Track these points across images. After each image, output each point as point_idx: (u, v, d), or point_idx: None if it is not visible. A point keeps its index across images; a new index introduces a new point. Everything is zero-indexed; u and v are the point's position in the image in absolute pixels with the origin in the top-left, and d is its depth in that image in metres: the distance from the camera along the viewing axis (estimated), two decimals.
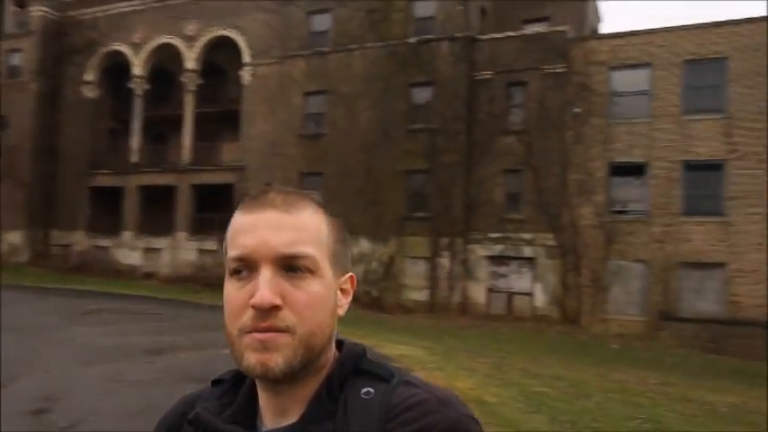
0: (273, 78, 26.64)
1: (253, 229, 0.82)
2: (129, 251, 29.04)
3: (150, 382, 8.34)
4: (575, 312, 19.84)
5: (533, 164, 21.50)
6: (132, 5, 30.71)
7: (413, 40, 23.69)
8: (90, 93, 31.60)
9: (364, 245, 23.54)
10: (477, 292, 21.99)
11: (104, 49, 31.21)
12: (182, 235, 27.94)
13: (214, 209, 27.91)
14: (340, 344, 0.90)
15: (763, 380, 12.63)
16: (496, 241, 21.84)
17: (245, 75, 27.62)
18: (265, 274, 0.80)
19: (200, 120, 29.54)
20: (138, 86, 30.47)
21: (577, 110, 21.15)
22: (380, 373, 0.84)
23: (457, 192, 22.35)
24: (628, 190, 20.28)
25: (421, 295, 22.54)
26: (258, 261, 0.80)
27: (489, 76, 22.61)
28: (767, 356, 14.60)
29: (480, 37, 23.18)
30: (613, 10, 71.71)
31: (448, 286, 22.13)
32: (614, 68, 20.92)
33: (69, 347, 10.48)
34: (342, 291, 0.88)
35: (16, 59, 32.38)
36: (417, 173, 23.20)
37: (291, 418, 0.83)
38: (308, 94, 25.60)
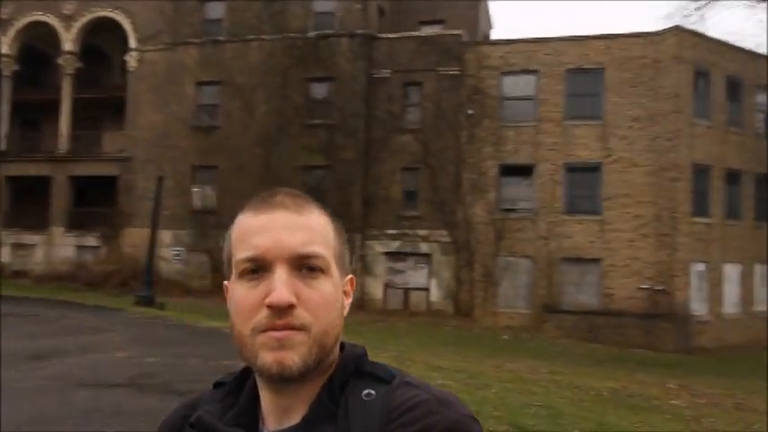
0: (163, 65, 25.34)
1: (265, 229, 0.82)
2: None
3: (38, 389, 7.71)
4: (468, 306, 20.72)
5: (429, 162, 22.13)
6: None
7: (312, 34, 23.51)
8: None
9: None
10: (375, 288, 22.32)
11: None
12: (58, 230, 25.88)
13: (95, 203, 26.14)
14: (341, 346, 0.90)
15: (636, 365, 13.92)
16: (394, 238, 22.28)
17: (132, 60, 26.04)
18: (281, 274, 0.80)
19: (79, 106, 27.42)
20: (6, 66, 27.78)
21: (471, 112, 22.03)
22: (381, 375, 0.85)
23: (355, 188, 22.50)
24: (517, 189, 21.47)
25: None
26: (272, 261, 0.81)
27: (387, 75, 22.96)
28: (642, 345, 16.11)
29: (379, 36, 23.46)
30: (504, 17, 75.27)
31: None
32: (505, 73, 22.00)
33: None
34: (344, 292, 0.89)
35: None
36: (315, 168, 23.10)
37: (294, 420, 0.83)
38: (202, 83, 24.64)
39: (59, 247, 25.59)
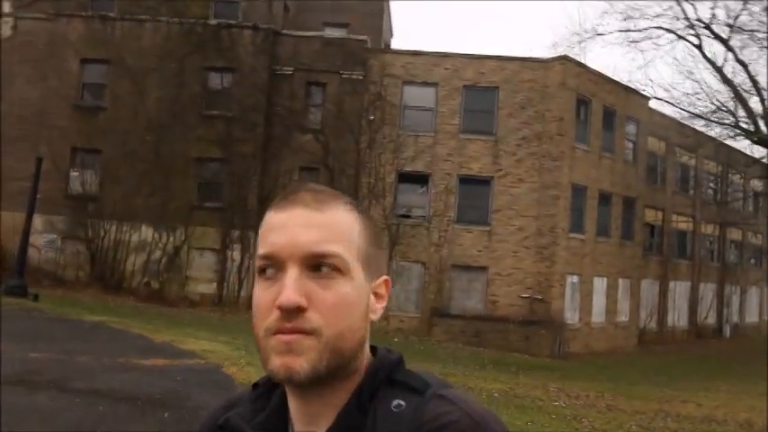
0: (43, 36, 23.28)
1: (282, 227, 0.80)
2: None
3: None
4: None
5: (329, 164, 22.21)
6: None
7: (213, 22, 22.76)
8: None
9: (147, 233, 21.99)
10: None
11: None
12: None
13: None
14: (374, 351, 0.87)
15: (517, 368, 14.91)
16: None
17: (4, 27, 23.67)
18: (291, 274, 0.78)
19: None
20: None
21: (372, 117, 22.41)
22: (414, 385, 0.81)
23: (252, 184, 22.06)
24: (412, 197, 22.16)
25: (208, 288, 21.80)
26: (285, 260, 0.78)
27: (290, 72, 22.76)
28: (521, 349, 17.27)
29: (284, 32, 23.20)
30: (404, 27, 77.13)
31: (237, 280, 21.74)
32: (407, 83, 22.62)
33: None
34: (375, 295, 0.86)
35: None
36: (211, 161, 22.39)
37: (321, 427, 0.81)
38: (87, 61, 22.96)
39: None
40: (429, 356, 15.11)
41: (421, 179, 22.09)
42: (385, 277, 0.88)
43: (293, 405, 0.83)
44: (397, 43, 31.77)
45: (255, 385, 0.91)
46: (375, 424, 0.78)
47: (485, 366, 14.62)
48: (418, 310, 20.85)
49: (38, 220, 22.27)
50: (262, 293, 0.79)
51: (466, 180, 21.82)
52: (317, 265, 0.78)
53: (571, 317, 20.66)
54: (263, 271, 0.80)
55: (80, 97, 22.90)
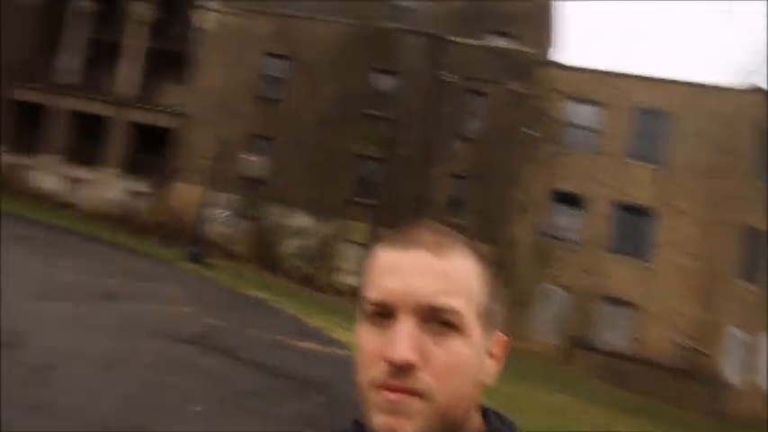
0: (236, 30, 25.69)
1: (397, 270, 0.73)
2: (50, 176, 27.22)
3: (113, 329, 8.13)
4: None
5: (482, 174, 22.22)
6: None
7: (386, 25, 23.65)
8: None
9: (305, 220, 23.47)
10: None
11: None
12: (111, 171, 26.54)
13: (150, 151, 26.71)
14: (485, 413, 0.80)
15: (668, 422, 13.88)
16: None
17: (206, 20, 26.43)
18: (405, 326, 0.71)
19: (148, 55, 27.97)
20: (86, 3, 28.37)
21: (532, 132, 22.04)
22: None
23: (406, 186, 22.70)
24: (564, 218, 21.47)
25: (354, 280, 22.81)
26: (398, 308, 0.72)
27: (453, 79, 23.03)
28: (670, 399, 15.98)
29: (451, 38, 23.48)
30: (569, 41, 74.60)
31: None
32: (572, 100, 21.94)
33: (16, 277, 9.86)
34: (490, 355, 0.78)
35: None
36: (370, 158, 23.35)
37: None
38: (269, 54, 24.94)
39: (110, 187, 26.26)
40: (566, 388, 14.66)
41: (576, 201, 21.35)
42: (503, 336, 0.80)
43: None
44: (562, 57, 30.79)
45: (356, 421, 0.83)
46: None
47: (628, 412, 13.87)
48: (557, 337, 20.21)
49: (214, 197, 24.78)
50: (369, 339, 0.73)
51: (626, 207, 20.74)
52: (433, 318, 0.72)
53: (732, 374, 18.73)
54: (373, 315, 0.74)
55: (261, 88, 24.94)
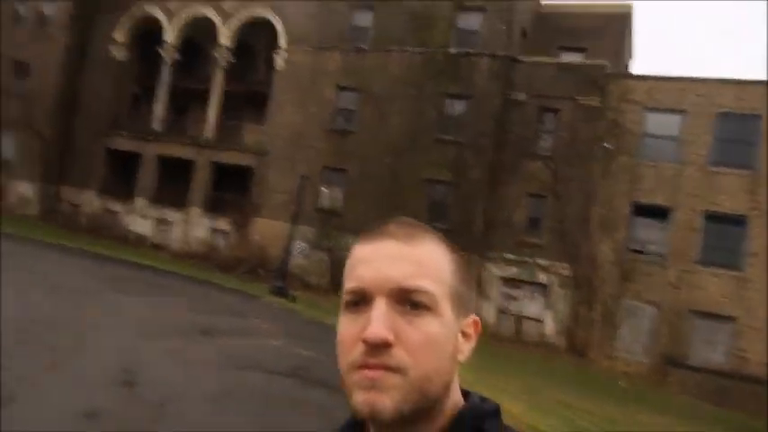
0: (307, 67, 26.67)
1: (370, 260, 0.79)
2: (140, 219, 28.99)
3: (216, 365, 8.52)
4: (582, 345, 20.28)
5: (558, 191, 21.85)
6: None
7: (453, 50, 23.87)
8: (118, 53, 31.36)
9: None
10: (487, 312, 22.32)
11: (138, 12, 30.95)
12: (196, 211, 27.94)
13: (231, 189, 27.96)
14: (466, 396, 0.84)
15: None
16: (512, 263, 22.19)
17: (279, 59, 27.59)
18: (379, 308, 0.76)
19: (226, 97, 29.47)
20: (169, 54, 30.30)
21: (608, 145, 21.52)
22: None
23: (479, 208, 22.63)
24: (648, 231, 20.71)
25: None
26: (373, 293, 0.77)
27: (524, 99, 22.89)
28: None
29: (520, 58, 23.42)
30: (644, 50, 72.46)
31: None
32: (649, 110, 21.30)
33: (123, 317, 10.58)
34: (463, 334, 0.82)
35: (49, 9, 31.99)
36: (441, 183, 23.46)
37: None
38: (341, 88, 25.67)
39: (195, 226, 27.63)
40: (662, 408, 14.04)
41: (660, 213, 20.57)
42: (474, 317, 0.85)
43: None
44: (637, 67, 29.95)
45: (353, 416, 0.87)
46: None
47: (731, 431, 13.13)
48: (648, 356, 19.37)
49: (293, 230, 25.57)
50: (347, 326, 0.78)
51: (714, 217, 19.78)
52: (405, 300, 0.77)
53: None
54: (351, 304, 0.79)
55: (333, 121, 25.69)
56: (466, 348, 0.82)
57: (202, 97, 30.28)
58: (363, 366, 0.75)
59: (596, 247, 20.93)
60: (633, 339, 19.69)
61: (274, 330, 11.69)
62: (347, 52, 25.60)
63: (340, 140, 25.43)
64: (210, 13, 29.23)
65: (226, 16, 29.00)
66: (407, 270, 0.77)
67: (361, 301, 0.78)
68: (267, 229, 25.81)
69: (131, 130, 30.63)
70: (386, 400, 0.74)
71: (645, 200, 20.75)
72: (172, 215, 28.48)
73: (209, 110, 29.10)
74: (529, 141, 22.62)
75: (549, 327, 21.38)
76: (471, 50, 23.54)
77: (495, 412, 0.82)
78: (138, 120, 31.54)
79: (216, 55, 29.26)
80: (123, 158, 30.52)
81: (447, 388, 0.79)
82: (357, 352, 0.76)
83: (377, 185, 24.08)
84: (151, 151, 29.63)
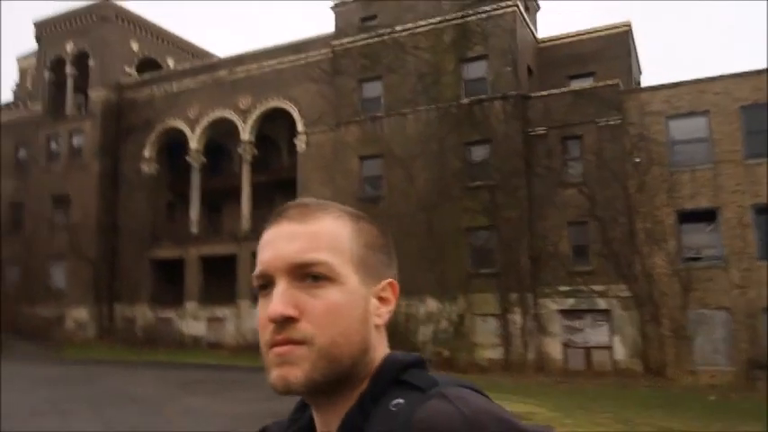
0: (328, 145, 27.48)
1: (269, 243, 0.83)
2: (193, 321, 29.48)
3: None
4: (658, 364, 19.49)
5: (598, 215, 21.63)
6: (186, 84, 32.22)
7: (465, 100, 24.40)
8: (148, 168, 32.85)
9: (432, 304, 23.63)
10: (553, 348, 21.77)
11: (161, 127, 32.59)
12: (245, 303, 28.32)
13: None
14: (388, 355, 0.85)
15: None
16: (567, 294, 21.77)
17: (300, 143, 28.53)
18: (279, 286, 0.79)
19: (254, 189, 30.39)
20: (195, 160, 31.61)
21: (637, 159, 21.40)
22: (418, 384, 0.78)
23: (522, 246, 22.46)
24: (699, 236, 20.23)
25: (494, 353, 22.37)
26: (274, 274, 0.80)
27: (543, 132, 23.08)
28: None
29: (532, 94, 23.80)
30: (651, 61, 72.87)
31: (522, 343, 21.96)
32: (671, 117, 21.24)
33: (205, 415, 10.62)
34: (380, 299, 0.84)
35: (78, 140, 33.95)
36: (479, 229, 23.45)
37: None
38: (364, 158, 26.27)
39: (246, 319, 27.92)
40: (758, 417, 13.28)
41: (707, 216, 20.12)
42: (389, 280, 0.86)
43: (314, 414, 0.85)
44: (648, 80, 30.05)
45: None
46: (371, 423, 0.77)
47: None
48: (731, 363, 18.48)
49: None
50: (260, 310, 0.81)
51: (763, 209, 19.25)
52: (304, 275, 0.80)
53: None
54: (260, 288, 0.83)
55: (362, 190, 26.18)
56: (384, 311, 0.84)
57: (232, 193, 31.32)
58: (273, 344, 0.78)
59: (649, 263, 20.44)
60: (711, 349, 18.86)
61: None
62: (363, 123, 26.36)
63: (371, 207, 25.72)
64: (228, 113, 30.61)
65: (243, 114, 30.32)
66: (301, 246, 0.80)
67: (268, 284, 0.82)
68: None
69: (171, 238, 31.64)
70: (297, 371, 0.77)
71: (688, 206, 20.38)
72: (222, 312, 28.90)
73: (243, 203, 29.98)
74: (557, 171, 22.64)
75: (620, 352, 20.68)
76: (483, 96, 24.03)
77: (416, 362, 0.82)
78: (176, 226, 32.65)
79: (240, 151, 30.40)
80: (167, 266, 31.38)
81: (363, 352, 0.80)
82: (267, 332, 0.79)
83: (414, 242, 24.16)
84: (193, 254, 30.44)
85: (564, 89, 23.67)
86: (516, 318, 22.20)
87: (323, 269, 0.79)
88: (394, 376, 0.79)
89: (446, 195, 24.03)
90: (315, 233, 0.81)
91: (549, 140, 22.92)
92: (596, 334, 21.18)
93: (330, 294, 0.79)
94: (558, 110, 22.91)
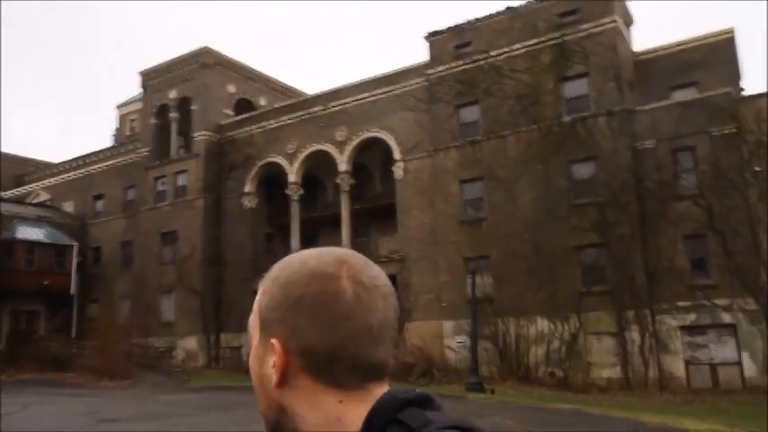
0: (426, 170, 27.95)
1: None
2: None
3: None
4: None
5: (717, 227, 20.94)
6: (283, 121, 33.71)
7: (567, 118, 24.39)
8: (249, 203, 34.33)
9: (542, 324, 23.32)
10: (675, 365, 20.99)
11: (260, 162, 34.10)
12: None
13: None
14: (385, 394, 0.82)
15: None
16: (688, 310, 21.04)
17: (397, 170, 29.16)
18: None
19: (352, 216, 31.13)
20: (294, 192, 32.79)
21: (757, 168, 20.70)
22: (411, 423, 0.74)
23: (636, 262, 21.95)
24: None
25: (612, 372, 21.76)
26: None
27: (652, 145, 22.72)
28: None
29: (637, 108, 23.55)
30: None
31: (642, 361, 21.27)
32: None
33: None
34: (272, 358, 0.82)
35: (183, 180, 35.98)
36: (589, 247, 23.12)
37: None
38: (464, 181, 26.53)
39: None
40: None
41: None
42: (271, 340, 0.82)
43: None
44: (749, 87, 29.08)
45: None
46: None
47: None
48: None
49: (448, 325, 25.71)
50: None
51: None
52: None
53: None
54: None
55: (464, 213, 26.39)
56: (272, 372, 0.81)
57: (328, 222, 32.18)
58: None
59: None
60: None
61: (513, 421, 11.54)
62: (462, 147, 26.73)
63: (474, 229, 25.93)
64: (326, 146, 31.73)
65: (339, 145, 31.36)
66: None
67: None
68: (421, 331, 26.04)
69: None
70: None
71: None
72: None
73: (343, 232, 30.70)
74: (669, 185, 22.16)
75: (750, 368, 19.70)
76: (585, 114, 23.96)
77: (418, 400, 0.78)
78: (275, 257, 33.36)
79: (338, 181, 31.32)
80: None
81: (280, 411, 0.81)
82: None
83: (521, 263, 24.06)
84: None
85: (671, 101, 23.33)
86: (634, 335, 21.57)
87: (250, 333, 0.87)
88: (390, 416, 0.76)
89: (552, 214, 23.90)
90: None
91: (659, 153, 22.54)
92: (722, 350, 20.30)
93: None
94: (667, 122, 22.55)
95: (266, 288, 0.85)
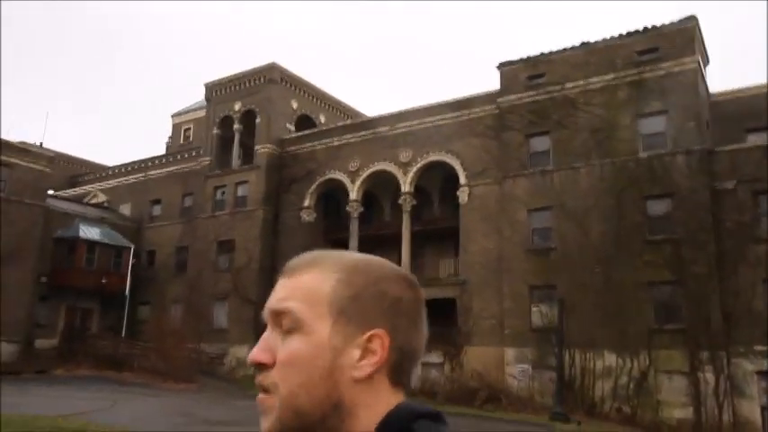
0: (492, 197, 28.13)
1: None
2: None
3: None
4: None
5: None
6: (347, 139, 34.26)
7: (643, 155, 24.43)
8: (307, 216, 34.80)
9: (610, 359, 23.15)
10: (751, 411, 20.66)
11: (321, 178, 34.61)
12: None
13: (437, 323, 28.76)
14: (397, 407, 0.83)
15: None
16: (765, 355, 20.74)
17: (462, 195, 29.39)
18: (265, 333, 0.85)
19: (412, 238, 31.35)
20: (354, 209, 33.17)
21: None
22: None
23: (712, 302, 21.75)
24: None
25: (683, 413, 21.47)
26: (266, 321, 0.86)
27: (732, 186, 22.65)
28: None
29: (717, 149, 23.54)
30: None
31: (716, 404, 20.97)
32: None
33: None
34: (365, 350, 0.81)
35: (243, 190, 36.63)
36: (662, 284, 22.97)
37: None
38: (533, 210, 26.62)
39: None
40: None
41: None
42: (373, 331, 0.82)
43: None
44: None
45: None
46: None
47: None
48: None
49: (510, 353, 25.62)
50: None
51: None
52: (279, 323, 0.83)
53: None
54: None
55: (531, 242, 26.45)
56: (365, 364, 0.81)
57: (384, 241, 32.37)
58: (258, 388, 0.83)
59: None
60: None
61: None
62: (532, 176, 26.88)
63: (541, 258, 25.94)
64: (389, 166, 32.13)
65: (403, 166, 31.72)
66: (279, 296, 0.85)
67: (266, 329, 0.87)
68: (482, 356, 26.01)
69: None
70: (266, 422, 0.80)
71: None
72: None
73: (402, 251, 30.91)
74: (749, 226, 22.03)
75: None
76: (662, 151, 24.00)
77: (431, 414, 0.80)
78: None
79: (400, 201, 31.63)
80: None
81: (333, 407, 0.79)
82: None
83: (590, 295, 23.96)
84: None
85: (752, 144, 23.27)
86: (708, 377, 21.29)
87: (289, 318, 0.82)
88: (404, 425, 0.78)
89: (624, 248, 23.84)
90: (294, 285, 0.85)
91: (739, 195, 22.45)
92: None
93: (293, 344, 0.81)
94: (748, 164, 22.50)
95: (341, 278, 0.84)
